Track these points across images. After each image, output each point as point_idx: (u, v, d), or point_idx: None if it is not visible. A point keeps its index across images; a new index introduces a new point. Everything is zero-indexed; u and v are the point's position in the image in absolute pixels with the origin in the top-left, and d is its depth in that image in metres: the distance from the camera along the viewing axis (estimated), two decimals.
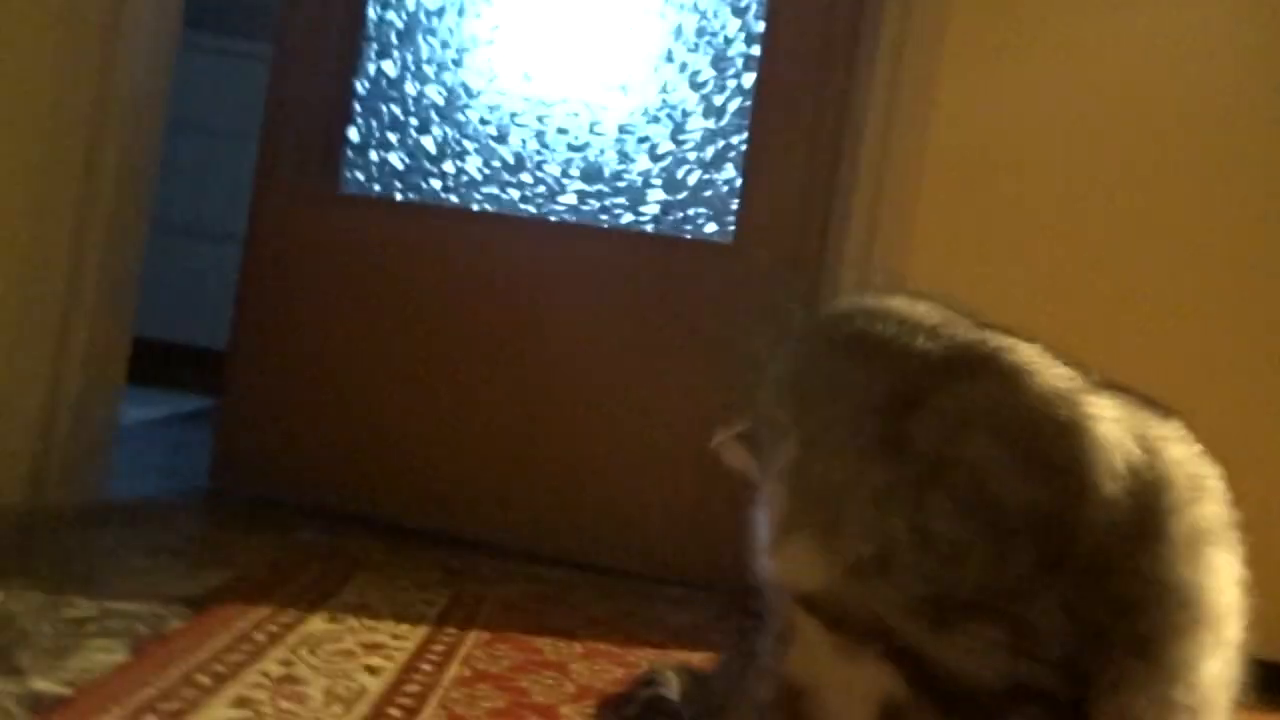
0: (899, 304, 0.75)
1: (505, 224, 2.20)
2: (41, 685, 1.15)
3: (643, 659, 1.56)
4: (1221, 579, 0.65)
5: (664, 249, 2.16)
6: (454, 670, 1.39)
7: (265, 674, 1.27)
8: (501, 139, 2.23)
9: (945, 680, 0.61)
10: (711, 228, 2.16)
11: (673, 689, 1.11)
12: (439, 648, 1.48)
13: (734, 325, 2.09)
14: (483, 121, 2.23)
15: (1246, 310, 1.89)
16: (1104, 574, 0.61)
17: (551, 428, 2.16)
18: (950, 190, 1.87)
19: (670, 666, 1.19)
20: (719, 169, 2.16)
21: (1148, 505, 0.63)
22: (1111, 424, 0.65)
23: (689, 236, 2.17)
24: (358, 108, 2.26)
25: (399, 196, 2.25)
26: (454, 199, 2.23)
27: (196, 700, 1.16)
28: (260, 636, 1.40)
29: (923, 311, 0.73)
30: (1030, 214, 1.88)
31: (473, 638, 1.54)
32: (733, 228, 2.14)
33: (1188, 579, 0.63)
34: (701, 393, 2.12)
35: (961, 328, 0.70)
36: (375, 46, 2.27)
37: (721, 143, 2.16)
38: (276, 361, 2.25)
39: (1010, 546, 0.61)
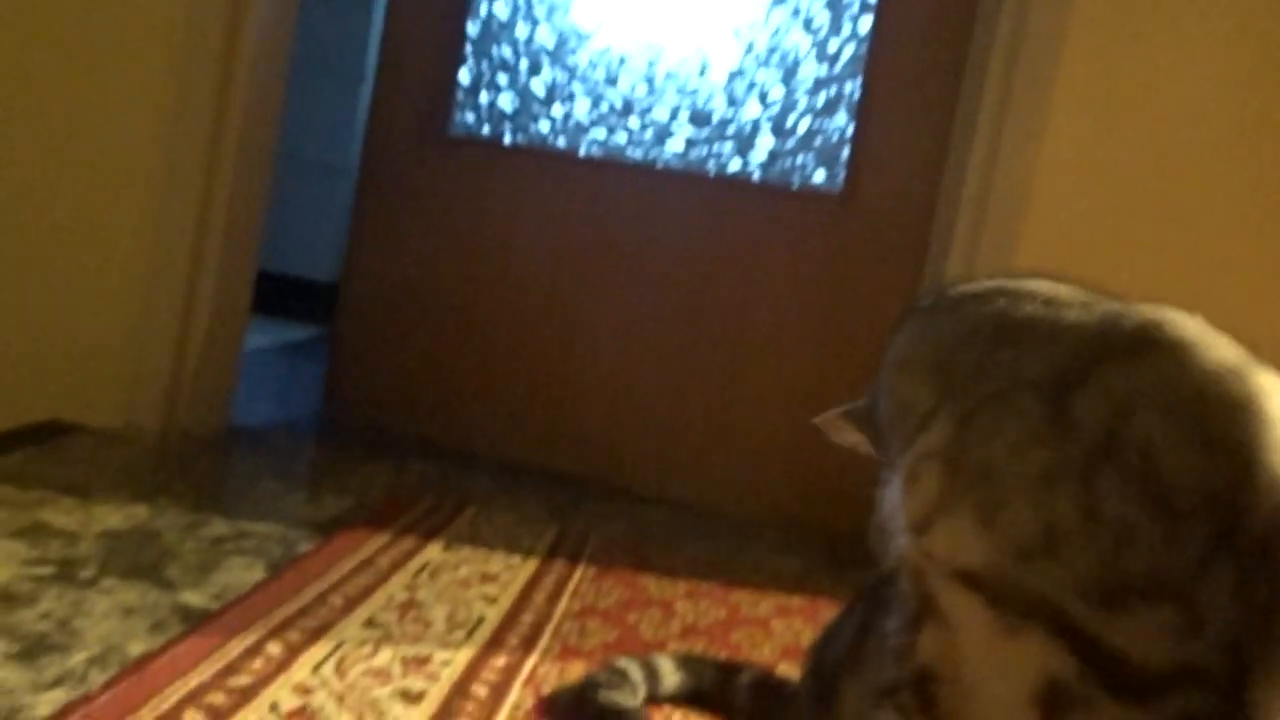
0: (1039, 284, 0.74)
1: (612, 168, 2.22)
2: (190, 598, 1.24)
3: (743, 601, 1.60)
4: None
5: (771, 197, 2.16)
6: (565, 604, 1.45)
7: (391, 597, 1.34)
8: (610, 82, 2.23)
9: (1112, 660, 0.61)
10: (820, 176, 2.14)
11: (628, 689, 1.11)
12: (550, 580, 1.54)
13: (842, 278, 2.08)
14: (592, 65, 2.24)
15: None
16: (1272, 554, 0.60)
17: (656, 372, 2.20)
18: (1066, 160, 1.82)
19: (662, 656, 1.20)
20: (830, 116, 2.13)
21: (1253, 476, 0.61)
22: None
23: (796, 185, 2.15)
24: (469, 49, 2.29)
25: (508, 139, 2.28)
26: (562, 142, 2.26)
27: (331, 619, 1.23)
28: (383, 562, 1.47)
29: (1066, 291, 0.72)
30: (1144, 202, 1.83)
31: (580, 572, 1.59)
32: (842, 176, 2.12)
33: None
34: (807, 343, 2.13)
35: (1114, 304, 0.69)
36: None
37: (834, 89, 2.13)
38: (386, 296, 2.32)
39: (1181, 527, 0.60)
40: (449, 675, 1.14)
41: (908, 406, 0.75)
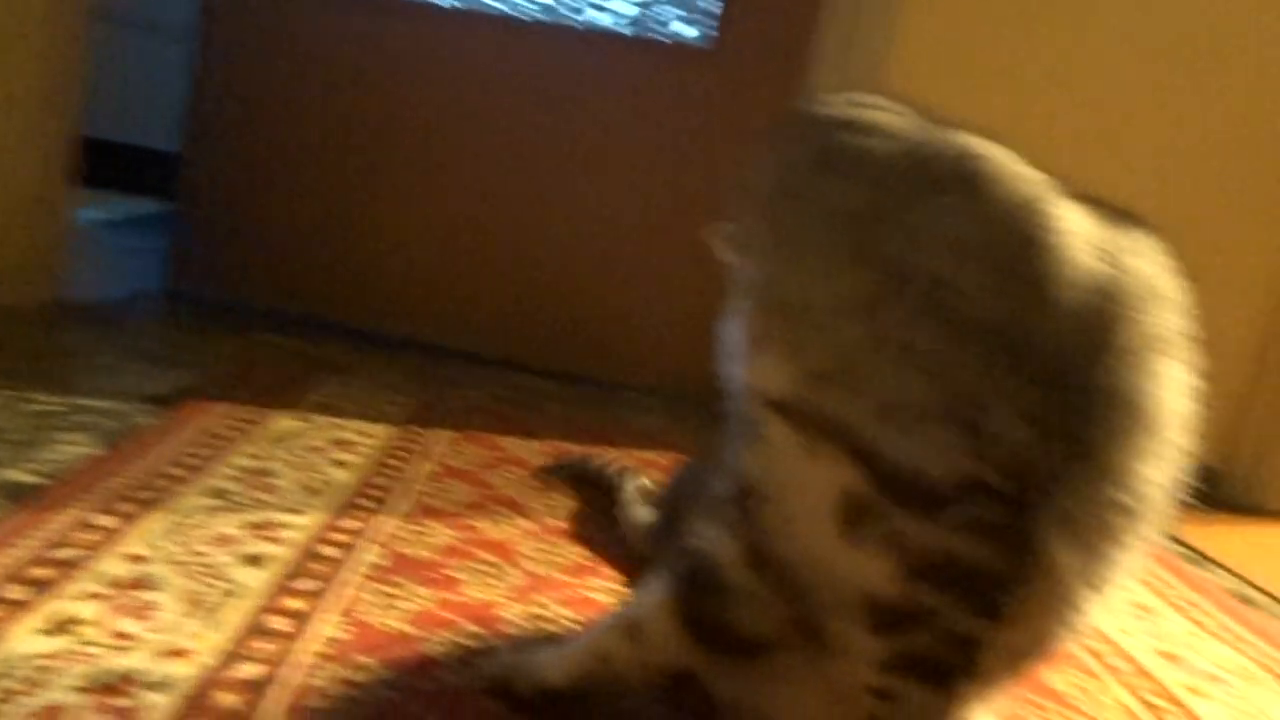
0: (872, 113, 0.73)
1: (474, 20, 2.11)
2: (16, 475, 1.17)
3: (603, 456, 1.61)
4: (1167, 388, 0.67)
5: (641, 52, 2.09)
6: (423, 466, 1.43)
7: (236, 466, 1.30)
8: None
9: (899, 475, 0.64)
10: (692, 32, 2.08)
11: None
12: (408, 445, 1.51)
13: (713, 133, 2.05)
14: None
15: (1233, 130, 1.88)
16: (1057, 383, 0.63)
17: (520, 234, 2.14)
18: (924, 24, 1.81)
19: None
20: None
21: (1102, 317, 0.64)
22: (1074, 236, 0.65)
23: (666, 40, 2.09)
24: None
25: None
26: None
27: (168, 490, 1.18)
28: (228, 432, 1.42)
29: (894, 120, 0.71)
30: (1012, 21, 1.83)
31: (440, 436, 1.57)
32: (714, 33, 2.06)
33: (1133, 386, 0.65)
34: (671, 202, 2.10)
35: (933, 135, 0.69)
36: None
37: None
38: (232, 163, 2.19)
39: (967, 356, 0.62)
40: (296, 538, 1.12)
41: (748, 240, 0.74)
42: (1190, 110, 1.88)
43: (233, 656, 0.85)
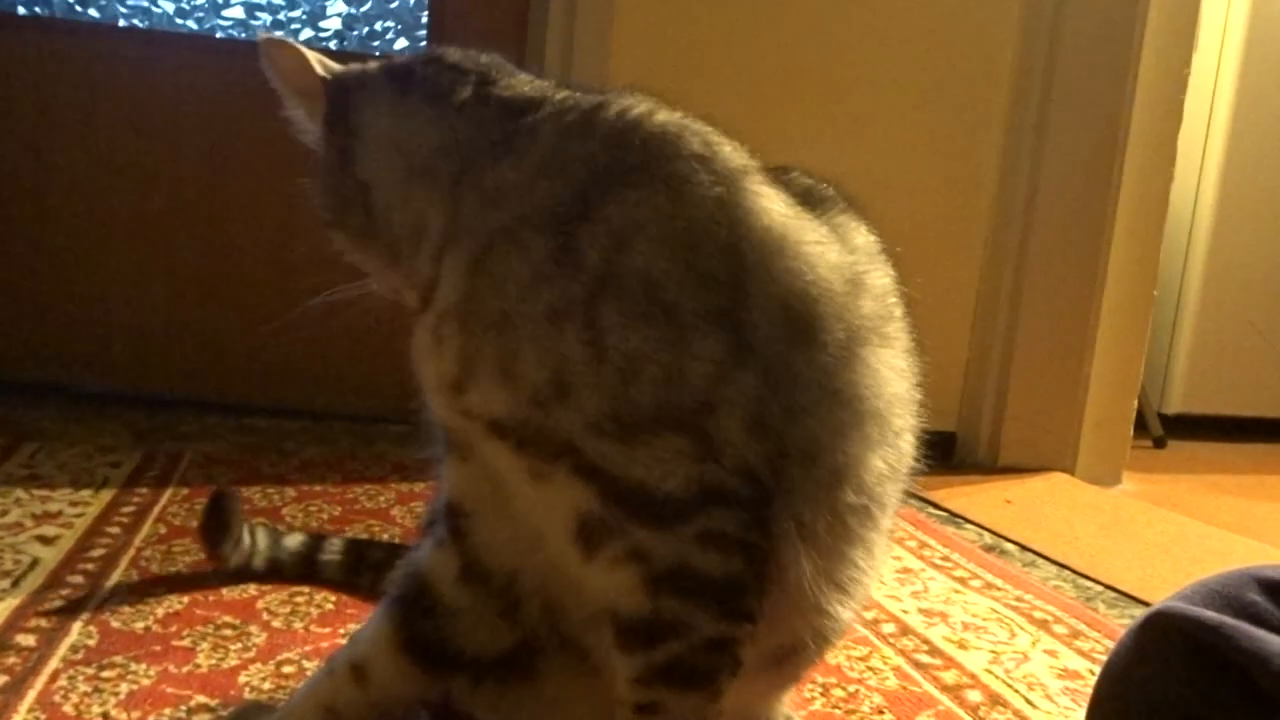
0: (552, 92, 0.69)
1: (159, 41, 1.93)
2: None
3: (361, 495, 1.50)
4: (880, 376, 0.66)
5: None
6: (147, 529, 1.28)
7: None
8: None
9: (633, 490, 0.61)
10: (402, 43, 2.01)
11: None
12: (129, 509, 1.35)
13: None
14: None
15: (933, 99, 2.01)
16: (776, 381, 0.62)
17: (238, 268, 1.98)
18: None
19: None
20: None
21: (805, 313, 0.63)
22: (773, 228, 0.64)
23: (378, 53, 2.00)
24: None
25: (22, 10, 1.91)
26: (93, 13, 1.93)
27: None
28: None
29: (575, 101, 0.68)
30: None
31: (169, 494, 1.41)
32: (424, 43, 1.99)
33: (846, 380, 0.64)
34: None
35: (618, 124, 0.65)
36: None
37: None
38: None
39: (685, 356, 0.60)
40: None
41: (421, 229, 0.68)
42: (900, 80, 1.99)
43: None
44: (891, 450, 0.67)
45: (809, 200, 0.69)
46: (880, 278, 0.69)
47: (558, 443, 0.62)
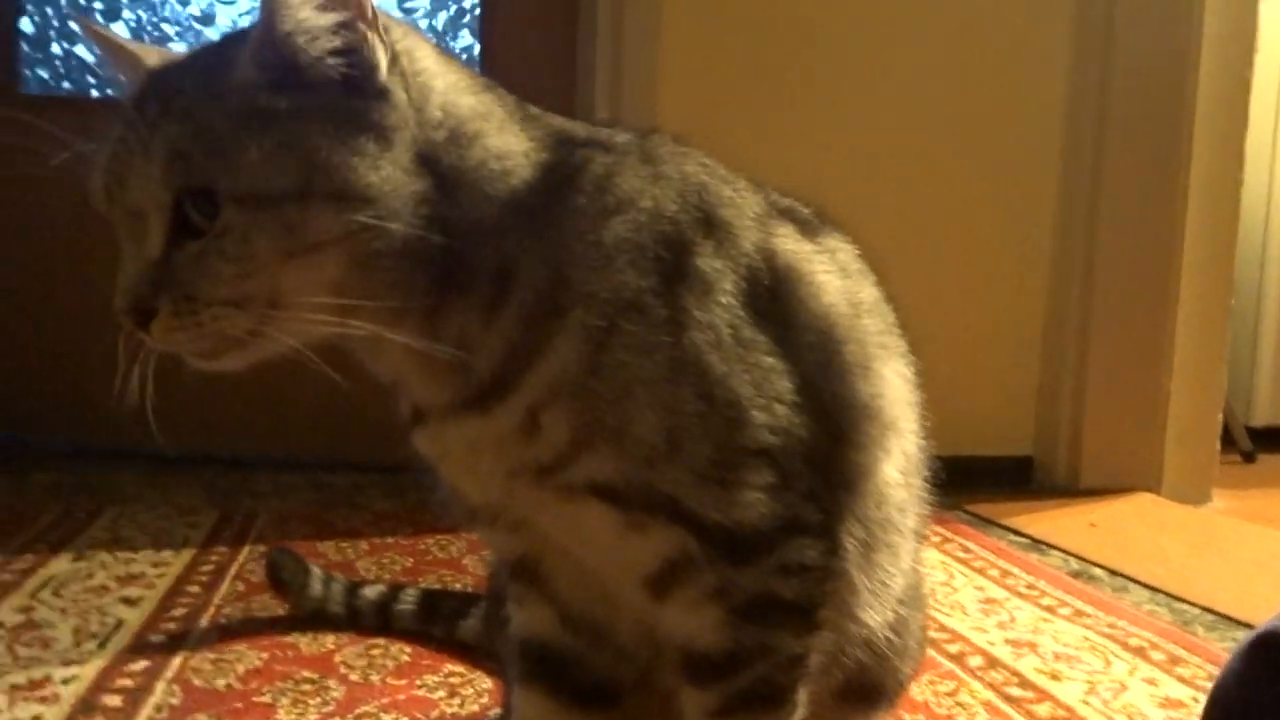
0: (643, 143, 0.68)
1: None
2: None
3: (432, 546, 1.51)
4: (894, 385, 0.70)
5: None
6: (226, 587, 1.29)
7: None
8: (207, 21, 2.00)
9: (724, 530, 0.63)
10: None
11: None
12: (208, 568, 1.37)
13: None
14: (181, 3, 2.00)
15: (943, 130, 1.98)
16: (822, 407, 0.65)
17: None
18: (688, 48, 1.84)
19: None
20: (454, 36, 2.03)
21: (829, 337, 0.66)
22: (793, 263, 0.67)
23: None
24: None
25: (96, 94, 1.99)
26: None
27: None
28: None
29: (639, 147, 0.68)
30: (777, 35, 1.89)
31: (246, 552, 1.43)
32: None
33: (869, 395, 0.67)
34: None
35: (674, 186, 0.66)
36: None
37: (454, 7, 2.03)
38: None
39: (770, 394, 0.63)
40: (72, 692, 0.97)
41: (508, 287, 0.63)
42: (956, 109, 1.97)
43: None
44: (903, 457, 0.71)
45: (797, 223, 0.71)
46: (870, 291, 0.72)
47: (661, 495, 0.62)
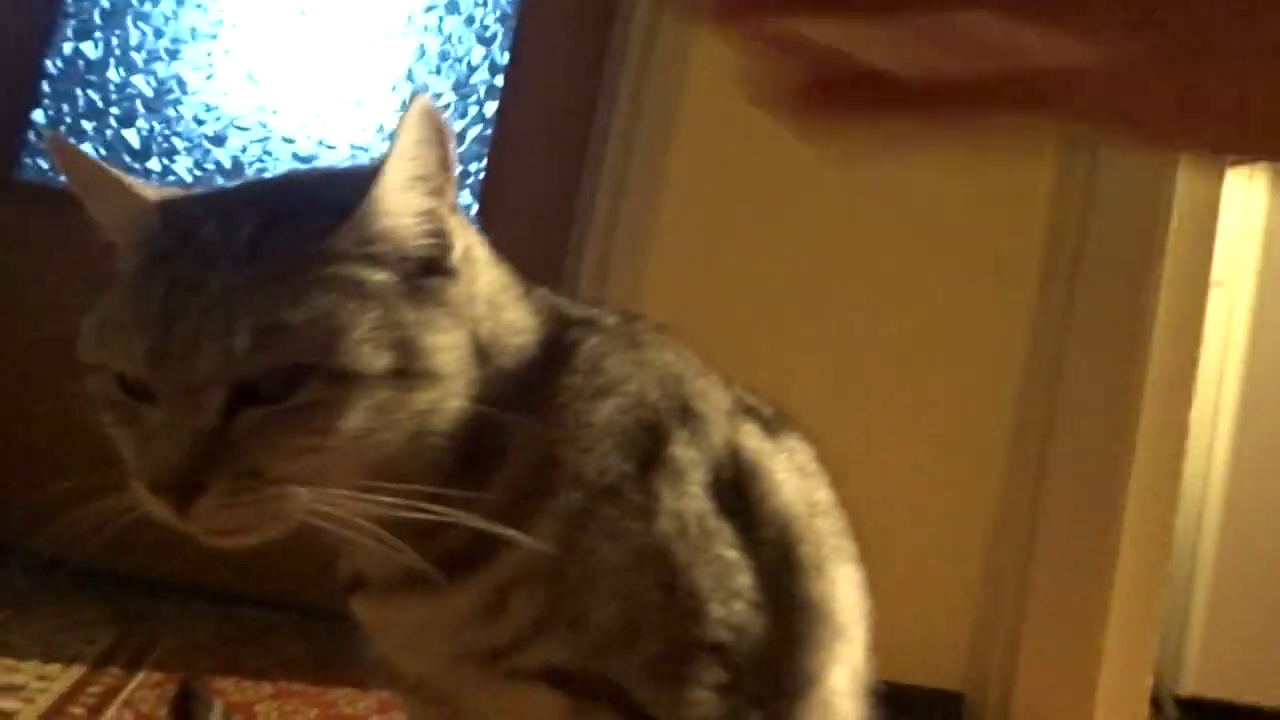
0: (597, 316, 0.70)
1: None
2: None
3: (341, 698, 1.42)
4: (844, 590, 0.69)
5: None
6: (111, 713, 1.20)
7: None
8: (218, 141, 2.05)
9: None
10: None
11: None
12: (96, 689, 1.27)
13: None
14: (197, 120, 2.05)
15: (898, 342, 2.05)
16: (779, 608, 0.64)
17: None
18: (684, 226, 1.91)
19: None
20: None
21: (787, 537, 0.66)
22: (757, 462, 0.67)
23: None
24: (48, 89, 2.01)
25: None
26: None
27: None
28: None
29: (624, 330, 0.69)
30: (755, 239, 1.96)
31: (140, 678, 1.33)
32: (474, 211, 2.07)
33: (821, 596, 0.67)
34: None
35: (659, 371, 0.67)
36: (74, 25, 2.04)
37: (459, 169, 2.10)
38: None
39: (731, 593, 0.62)
40: None
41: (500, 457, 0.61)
42: (912, 329, 2.04)
43: None
44: (850, 668, 0.69)
45: (760, 421, 0.72)
46: (824, 492, 0.73)
47: (612, 685, 0.60)
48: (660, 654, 0.60)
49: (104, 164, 0.60)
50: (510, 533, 0.57)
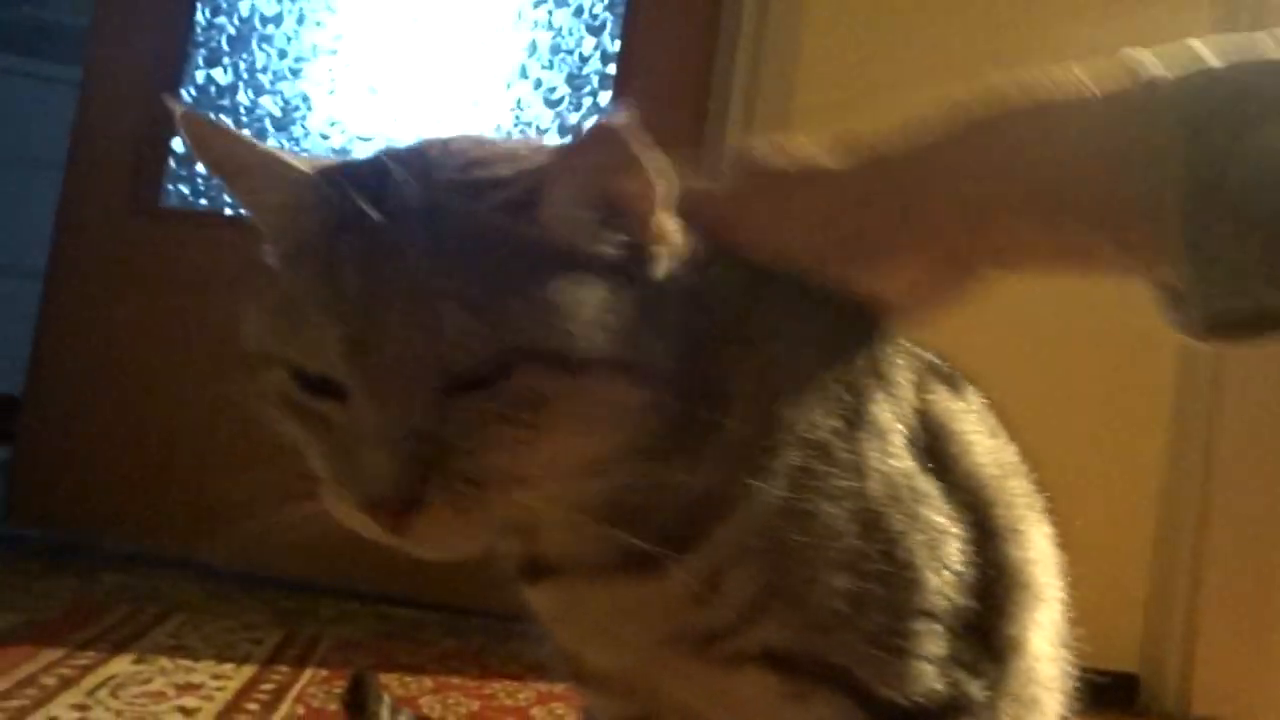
0: None
1: None
2: None
3: (499, 691, 1.43)
4: (1041, 551, 0.65)
5: None
6: (285, 709, 1.23)
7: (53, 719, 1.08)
8: (343, 155, 2.10)
9: (892, 704, 0.58)
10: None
11: None
12: (268, 686, 1.31)
13: None
14: (323, 135, 2.10)
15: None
16: (979, 578, 0.60)
17: None
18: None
19: None
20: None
21: (981, 498, 0.62)
22: (945, 420, 0.63)
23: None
24: None
25: (229, 211, 2.08)
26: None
27: None
28: (50, 680, 1.20)
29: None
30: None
31: (308, 675, 1.37)
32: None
33: (1020, 559, 0.62)
34: None
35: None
36: (204, 53, 2.12)
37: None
38: (74, 402, 2.01)
39: (945, 556, 0.58)
40: None
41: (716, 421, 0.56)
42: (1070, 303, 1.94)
43: None
44: (1051, 628, 0.65)
45: (943, 379, 0.67)
46: (1011, 450, 0.67)
47: (833, 663, 0.56)
48: (883, 627, 0.56)
49: (243, 135, 0.55)
50: (753, 483, 0.53)
